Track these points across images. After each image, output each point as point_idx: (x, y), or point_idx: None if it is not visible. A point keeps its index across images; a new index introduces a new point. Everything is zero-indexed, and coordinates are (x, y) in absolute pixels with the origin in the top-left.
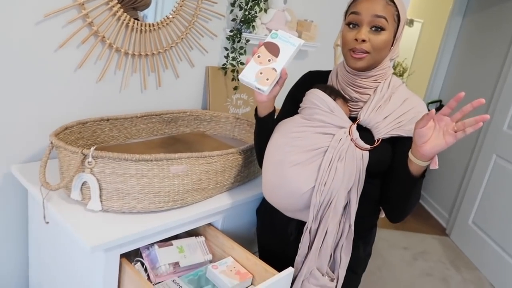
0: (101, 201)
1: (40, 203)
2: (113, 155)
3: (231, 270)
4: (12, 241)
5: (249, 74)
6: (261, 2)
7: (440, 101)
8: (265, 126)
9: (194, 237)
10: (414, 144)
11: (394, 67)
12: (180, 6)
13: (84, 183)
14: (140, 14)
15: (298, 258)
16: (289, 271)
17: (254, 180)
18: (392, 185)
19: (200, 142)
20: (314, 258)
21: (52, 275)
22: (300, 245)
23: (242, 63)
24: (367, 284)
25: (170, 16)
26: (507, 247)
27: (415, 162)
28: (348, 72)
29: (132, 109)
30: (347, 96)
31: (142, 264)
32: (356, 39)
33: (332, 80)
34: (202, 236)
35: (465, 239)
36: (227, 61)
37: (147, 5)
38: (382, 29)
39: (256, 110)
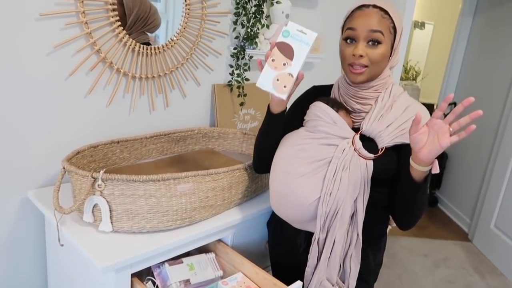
0: (111, 222)
1: (55, 226)
2: (121, 177)
3: (241, 286)
4: (32, 264)
5: (265, 82)
6: (262, 19)
7: (455, 103)
8: (276, 120)
9: (204, 254)
10: (412, 150)
11: (407, 72)
12: (184, 28)
13: (95, 205)
14: (152, 35)
15: (308, 269)
16: (298, 284)
17: (262, 194)
18: (398, 192)
19: (209, 159)
20: (323, 269)
21: None
22: (309, 256)
23: (247, 79)
24: None
25: (175, 38)
26: None
27: (416, 168)
28: (349, 84)
29: (141, 130)
30: (349, 108)
31: (154, 283)
32: (354, 55)
33: (334, 93)
34: (212, 253)
35: (488, 244)
36: (232, 78)
37: (157, 27)
38: (379, 42)
39: (268, 106)
